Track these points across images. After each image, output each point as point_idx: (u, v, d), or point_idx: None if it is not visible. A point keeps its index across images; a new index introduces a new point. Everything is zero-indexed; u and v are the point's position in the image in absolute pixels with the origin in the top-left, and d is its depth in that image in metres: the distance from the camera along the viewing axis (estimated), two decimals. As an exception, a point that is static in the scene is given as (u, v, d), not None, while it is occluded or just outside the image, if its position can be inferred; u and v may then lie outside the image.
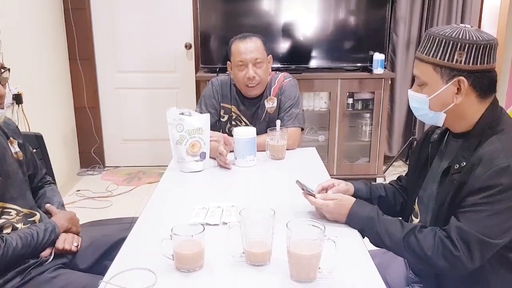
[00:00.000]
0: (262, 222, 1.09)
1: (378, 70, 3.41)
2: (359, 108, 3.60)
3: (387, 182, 1.55)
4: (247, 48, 1.97)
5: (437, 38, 1.13)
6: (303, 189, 1.35)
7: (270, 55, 2.07)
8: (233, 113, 2.11)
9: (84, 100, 3.79)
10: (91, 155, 3.91)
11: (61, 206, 1.57)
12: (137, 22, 3.72)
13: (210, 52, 3.48)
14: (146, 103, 3.90)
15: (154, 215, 1.42)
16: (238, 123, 2.11)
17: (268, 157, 1.91)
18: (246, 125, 2.09)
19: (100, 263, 1.46)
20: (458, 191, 1.14)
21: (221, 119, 2.12)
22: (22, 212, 1.39)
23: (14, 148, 1.46)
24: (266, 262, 1.10)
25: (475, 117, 1.17)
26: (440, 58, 1.13)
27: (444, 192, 1.18)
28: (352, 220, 1.27)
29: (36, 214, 1.43)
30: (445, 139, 1.29)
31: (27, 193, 1.45)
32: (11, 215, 1.36)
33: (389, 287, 1.37)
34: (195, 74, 3.62)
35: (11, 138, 1.46)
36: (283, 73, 2.16)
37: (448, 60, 1.12)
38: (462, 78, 1.12)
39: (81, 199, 3.35)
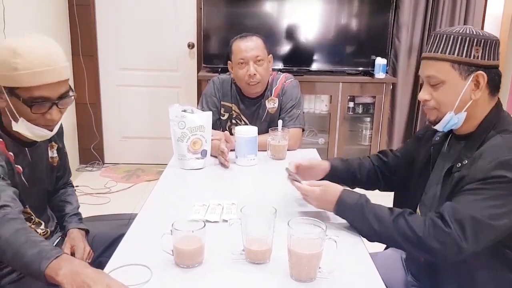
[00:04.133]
0: (263, 220, 1.09)
1: (379, 74, 3.42)
2: (360, 112, 3.60)
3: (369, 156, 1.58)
4: (248, 46, 1.98)
5: (452, 36, 1.14)
6: (290, 175, 1.36)
7: (271, 55, 2.08)
8: (233, 112, 2.11)
9: (85, 96, 3.78)
10: (90, 151, 3.91)
11: (77, 209, 1.56)
12: (140, 20, 3.72)
13: (213, 52, 3.49)
14: (147, 101, 3.90)
15: (154, 211, 1.42)
16: (238, 122, 2.12)
17: (269, 157, 1.91)
18: (246, 124, 2.09)
19: (97, 259, 1.46)
20: (457, 184, 1.14)
21: (222, 118, 2.13)
22: (35, 220, 1.38)
23: (53, 152, 1.45)
24: (266, 260, 1.10)
25: (482, 116, 1.18)
26: (457, 55, 1.14)
27: (446, 192, 1.18)
28: (340, 209, 1.25)
29: (42, 223, 1.42)
30: (447, 141, 1.29)
31: (44, 202, 1.44)
32: (31, 222, 1.35)
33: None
34: (197, 73, 3.62)
35: (52, 143, 1.45)
36: (284, 74, 2.16)
37: (466, 56, 1.13)
38: (481, 72, 1.13)
39: (80, 195, 3.31)
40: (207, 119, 1.77)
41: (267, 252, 1.10)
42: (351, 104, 3.56)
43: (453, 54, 1.14)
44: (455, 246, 1.07)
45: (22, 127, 1.23)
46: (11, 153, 1.26)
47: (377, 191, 1.56)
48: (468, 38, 1.13)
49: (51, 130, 1.27)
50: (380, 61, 3.42)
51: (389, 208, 1.21)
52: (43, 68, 1.17)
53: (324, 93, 3.51)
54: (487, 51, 1.13)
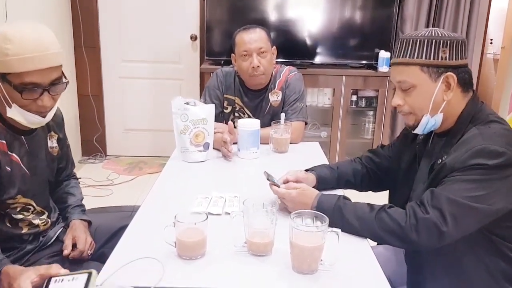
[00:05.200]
0: (265, 212, 1.09)
1: (383, 68, 3.40)
2: (363, 105, 3.59)
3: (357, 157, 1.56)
4: (251, 38, 1.98)
5: (418, 40, 1.16)
6: (268, 179, 1.35)
7: (274, 47, 2.07)
8: (236, 105, 2.11)
9: (87, 88, 3.78)
10: (93, 143, 3.91)
11: (80, 201, 1.57)
12: (143, 12, 3.70)
13: (216, 45, 3.48)
14: (150, 93, 3.90)
15: (156, 203, 1.42)
16: (241, 115, 2.11)
17: (272, 150, 1.91)
18: (249, 117, 2.09)
19: (99, 250, 1.46)
20: (437, 176, 1.16)
21: (225, 110, 2.12)
22: (36, 210, 1.39)
23: (52, 142, 1.44)
24: (268, 253, 1.11)
25: (458, 113, 1.20)
26: (425, 58, 1.15)
27: (431, 187, 1.18)
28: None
29: (45, 213, 1.42)
30: (431, 139, 1.30)
31: (46, 191, 1.44)
32: (29, 211, 1.36)
33: (390, 283, 1.38)
34: (200, 66, 3.61)
35: (52, 132, 1.45)
36: (288, 67, 2.15)
37: (434, 59, 1.15)
38: (450, 73, 1.15)
39: (82, 187, 3.28)
40: (209, 111, 1.77)
41: (269, 245, 1.10)
42: (354, 98, 3.55)
43: (421, 57, 1.16)
44: (436, 231, 1.08)
45: (15, 113, 1.22)
46: (3, 141, 1.26)
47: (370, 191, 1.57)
48: (434, 41, 1.14)
49: (44, 117, 1.26)
50: (383, 55, 3.40)
51: (368, 205, 1.21)
52: (34, 54, 1.16)
53: (327, 86, 3.50)
54: (454, 52, 1.15)
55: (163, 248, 1.10)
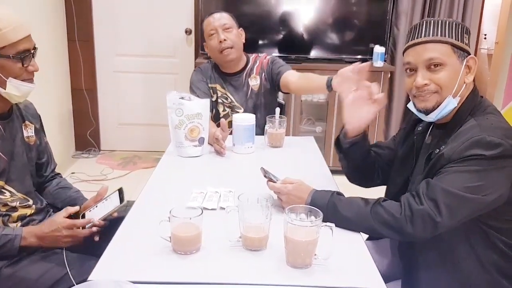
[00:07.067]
0: (260, 207, 1.10)
1: (378, 63, 3.41)
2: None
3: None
4: (215, 17, 2.08)
5: (448, 22, 1.20)
6: (265, 176, 1.35)
7: (241, 28, 2.17)
8: (218, 91, 2.18)
9: (81, 82, 3.76)
10: (86, 137, 3.90)
11: (78, 191, 1.62)
12: (137, 5, 3.68)
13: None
14: (144, 87, 3.88)
15: (151, 198, 1.43)
16: (224, 100, 2.18)
17: (267, 145, 1.91)
18: (232, 102, 2.17)
19: (93, 243, 1.46)
20: (434, 166, 1.17)
21: (212, 99, 2.17)
22: (17, 195, 1.39)
23: (28, 132, 1.47)
24: (263, 247, 1.11)
25: (460, 103, 1.22)
26: (455, 39, 1.20)
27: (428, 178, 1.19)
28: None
29: (29, 200, 1.43)
30: (429, 131, 1.32)
31: (26, 178, 1.45)
32: (5, 195, 1.36)
33: (384, 277, 1.39)
34: (194, 60, 3.60)
35: (26, 122, 1.47)
36: (264, 54, 2.27)
37: (461, 41, 1.20)
38: (472, 56, 1.20)
39: (76, 181, 3.34)
40: (204, 106, 1.77)
41: (263, 239, 1.11)
42: (348, 92, 3.55)
43: (453, 38, 1.19)
44: (430, 221, 1.10)
45: (12, 88, 1.30)
46: None
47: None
48: (461, 26, 1.21)
49: (33, 82, 1.36)
50: (378, 49, 3.41)
51: (362, 199, 1.22)
52: (18, 23, 1.28)
53: (322, 81, 3.50)
54: (469, 41, 1.23)
55: (158, 243, 1.10)
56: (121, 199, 1.38)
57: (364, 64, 1.48)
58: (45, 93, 3.25)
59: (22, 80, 1.31)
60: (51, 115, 3.40)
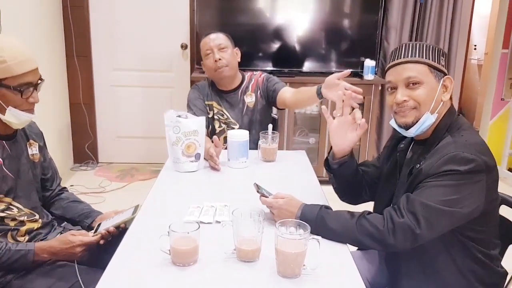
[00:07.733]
0: (253, 222, 1.17)
1: (368, 76, 3.50)
2: (349, 112, 3.67)
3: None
4: (211, 38, 2.19)
5: (425, 45, 1.30)
6: (258, 191, 1.41)
7: (237, 48, 2.26)
8: (214, 108, 2.26)
9: (79, 97, 3.84)
10: (84, 150, 3.96)
11: (88, 206, 1.70)
12: (134, 21, 3.78)
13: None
14: (141, 101, 3.96)
15: (151, 212, 1.49)
16: (220, 117, 2.27)
17: (260, 159, 1.99)
18: (228, 118, 2.25)
19: (98, 256, 1.53)
20: (413, 181, 1.26)
21: (209, 116, 2.26)
22: (24, 211, 1.46)
23: (32, 150, 1.54)
24: (256, 259, 1.19)
25: (437, 121, 1.31)
26: (432, 60, 1.29)
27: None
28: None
29: (35, 215, 1.50)
30: (410, 147, 1.41)
31: (32, 193, 1.52)
32: (13, 211, 1.44)
33: (369, 286, 1.47)
34: (190, 74, 3.68)
35: (31, 140, 1.54)
36: (259, 71, 2.37)
37: (437, 63, 1.29)
38: (449, 76, 1.30)
39: (75, 194, 3.40)
40: (200, 124, 1.85)
41: (256, 251, 1.18)
42: (340, 105, 3.63)
43: (429, 59, 1.29)
44: (411, 233, 1.18)
45: (10, 116, 1.35)
46: None
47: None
48: (437, 49, 1.31)
49: (33, 113, 1.41)
50: (369, 63, 3.50)
51: (349, 212, 1.30)
52: (24, 57, 1.33)
53: (314, 94, 3.59)
54: (445, 63, 1.32)
55: (158, 256, 1.17)
56: (134, 212, 1.50)
57: (345, 71, 1.79)
58: (44, 108, 3.31)
59: (22, 110, 1.36)
60: (50, 129, 3.46)
